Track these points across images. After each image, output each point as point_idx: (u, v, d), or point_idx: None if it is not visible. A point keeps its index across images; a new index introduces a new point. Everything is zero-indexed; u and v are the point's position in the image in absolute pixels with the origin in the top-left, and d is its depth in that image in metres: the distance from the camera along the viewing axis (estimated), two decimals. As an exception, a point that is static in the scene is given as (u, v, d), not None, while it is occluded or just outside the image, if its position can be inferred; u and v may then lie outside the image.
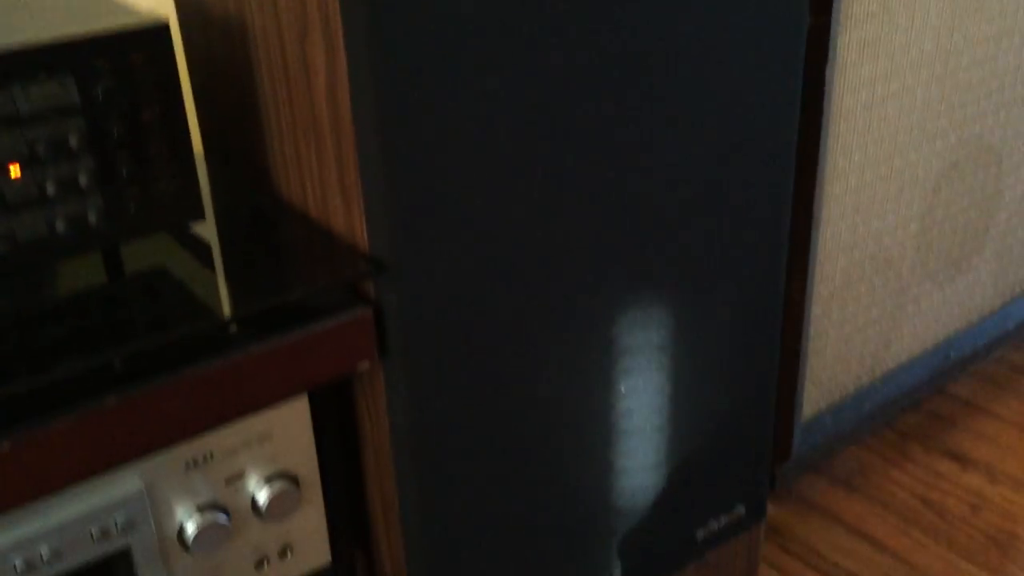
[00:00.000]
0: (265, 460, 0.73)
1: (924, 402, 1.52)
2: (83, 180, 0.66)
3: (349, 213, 0.71)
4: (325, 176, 0.73)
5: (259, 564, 0.76)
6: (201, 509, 0.71)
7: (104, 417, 0.61)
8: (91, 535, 0.65)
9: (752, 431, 1.02)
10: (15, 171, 0.63)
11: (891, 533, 1.27)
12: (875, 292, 1.31)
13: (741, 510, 1.04)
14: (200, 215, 0.72)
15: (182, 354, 0.65)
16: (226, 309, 0.69)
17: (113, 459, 0.63)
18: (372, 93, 0.64)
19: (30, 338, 0.66)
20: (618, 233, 0.81)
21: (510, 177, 0.72)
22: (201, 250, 0.76)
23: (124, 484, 0.66)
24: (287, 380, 0.69)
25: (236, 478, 0.72)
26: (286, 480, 0.74)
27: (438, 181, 0.69)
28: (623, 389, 0.87)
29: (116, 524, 0.67)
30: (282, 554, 0.77)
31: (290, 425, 0.74)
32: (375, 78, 0.64)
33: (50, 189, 0.65)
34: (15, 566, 0.63)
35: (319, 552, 0.80)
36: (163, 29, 0.67)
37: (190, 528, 0.70)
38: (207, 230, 0.78)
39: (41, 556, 0.64)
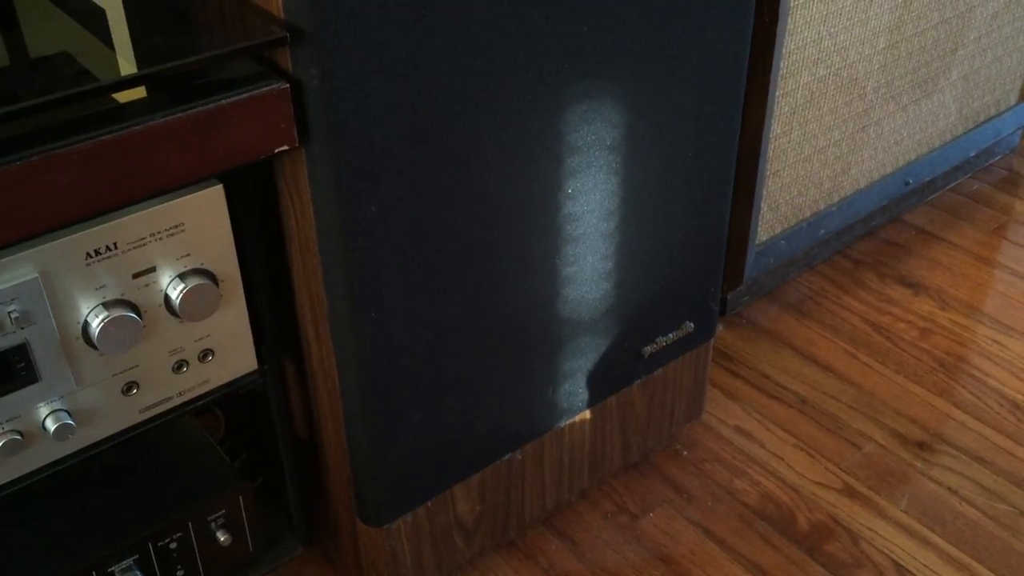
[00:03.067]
0: (178, 254, 0.67)
1: (879, 229, 1.49)
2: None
3: (261, -27, 0.63)
4: (233, -70, 0.64)
5: (177, 367, 0.71)
6: (107, 305, 0.65)
7: (-20, 189, 0.54)
8: (-20, 326, 0.60)
9: (705, 246, 0.97)
10: None
11: (840, 357, 1.26)
12: (837, 112, 1.25)
13: (690, 327, 1.01)
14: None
15: (74, 125, 0.57)
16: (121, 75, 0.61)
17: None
18: None
19: None
20: (570, 15, 0.73)
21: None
22: (97, 19, 0.67)
23: (17, 272, 0.60)
24: (194, 161, 0.62)
25: (145, 272, 0.66)
26: (202, 276, 0.68)
27: (362, -67, 0.60)
28: (570, 190, 0.82)
29: (10, 316, 0.60)
30: (203, 357, 0.72)
31: (204, 216, 0.67)
32: None
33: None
34: None
35: (243, 357, 0.75)
36: None
37: (95, 324, 0.64)
38: (102, -4, 0.69)
39: (-77, 347, 0.58)
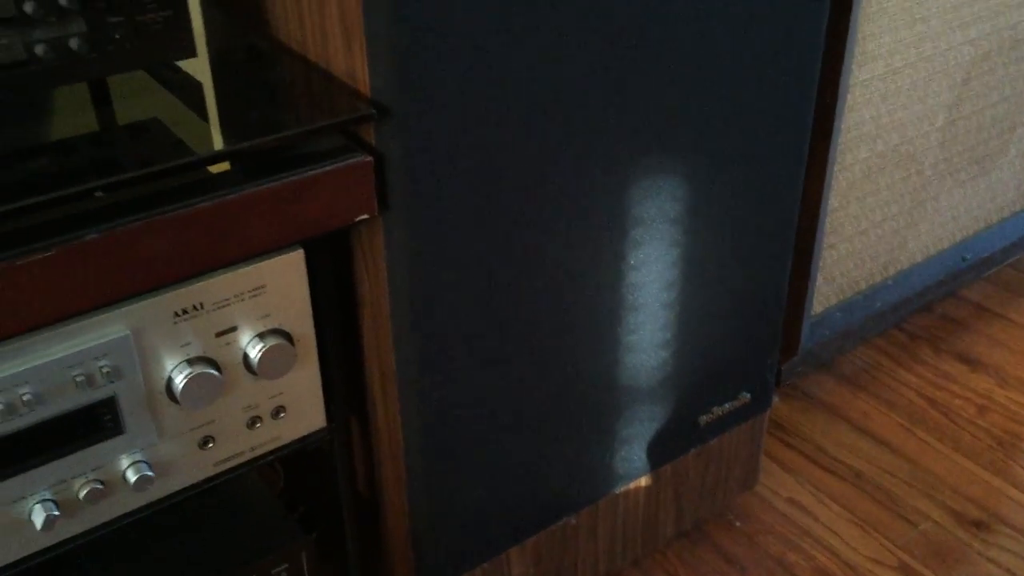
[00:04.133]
0: (258, 315, 0.70)
1: (936, 304, 1.49)
2: (64, 1, 0.61)
3: (350, 54, 0.67)
4: (326, 13, 0.67)
5: (252, 423, 0.73)
6: (191, 362, 0.68)
7: (86, 252, 0.57)
8: (74, 380, 0.63)
9: (763, 317, 0.98)
10: (-11, -15, 0.58)
11: (896, 432, 1.25)
12: (895, 187, 1.26)
13: (747, 397, 1.02)
14: (191, 52, 0.67)
15: (171, 194, 0.61)
16: (216, 148, 0.65)
17: (96, 298, 0.59)
18: (378, -89, 0.59)
19: (9, 171, 0.62)
20: (638, 96, 0.76)
21: (525, 19, 0.67)
22: (192, 91, 0.71)
23: (109, 329, 0.63)
24: (280, 228, 0.65)
25: (228, 332, 0.69)
26: (280, 336, 0.71)
27: (447, 21, 0.64)
28: (633, 261, 0.84)
29: (101, 370, 0.63)
30: (275, 414, 0.74)
31: (284, 280, 0.70)
32: None
33: (28, 8, 0.60)
34: (-6, 406, 0.60)
35: (313, 414, 0.77)
36: None
37: (179, 380, 0.67)
38: (198, 69, 0.73)
39: (22, 398, 0.61)
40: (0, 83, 0.60)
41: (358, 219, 0.68)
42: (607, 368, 0.87)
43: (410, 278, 0.72)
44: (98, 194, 0.57)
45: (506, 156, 0.71)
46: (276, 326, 0.71)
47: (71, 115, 0.70)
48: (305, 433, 0.77)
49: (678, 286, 0.89)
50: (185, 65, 0.73)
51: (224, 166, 0.65)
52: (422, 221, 0.70)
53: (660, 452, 0.97)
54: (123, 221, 0.58)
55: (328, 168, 0.65)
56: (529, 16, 0.67)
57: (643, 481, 0.97)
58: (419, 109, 0.66)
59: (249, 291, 0.69)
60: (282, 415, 0.75)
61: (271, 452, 0.76)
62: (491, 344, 0.78)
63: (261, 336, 0.71)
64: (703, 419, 0.99)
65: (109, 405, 0.65)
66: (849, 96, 1.12)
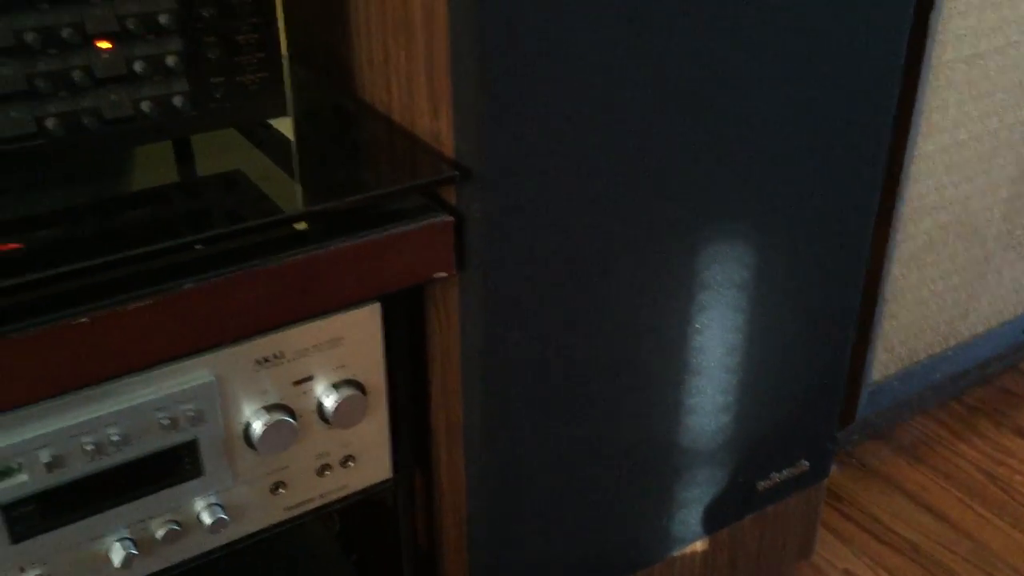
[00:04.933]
0: (334, 365, 0.72)
1: (996, 377, 1.47)
2: (171, 62, 0.64)
3: (436, 117, 0.69)
4: (413, 77, 0.70)
5: (321, 471, 0.75)
6: (269, 409, 0.70)
7: (181, 301, 0.60)
8: (160, 423, 0.65)
9: (824, 385, 0.98)
10: (105, 45, 0.62)
11: (954, 505, 1.23)
12: (957, 258, 1.26)
13: (805, 465, 1.02)
14: (283, 111, 0.70)
15: (258, 248, 0.64)
16: (304, 205, 0.68)
17: (187, 345, 0.62)
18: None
19: (110, 220, 0.65)
20: (711, 164, 0.78)
21: (605, 93, 0.70)
22: (278, 146, 0.74)
23: (195, 375, 0.66)
24: (362, 283, 0.67)
25: (304, 381, 0.71)
26: (353, 387, 0.73)
27: (532, 89, 0.66)
28: (698, 324, 0.85)
29: (185, 415, 0.66)
30: (344, 463, 0.76)
31: (361, 332, 0.72)
32: (477, -30, 0.61)
33: (138, 67, 0.63)
34: (84, 446, 0.62)
35: (380, 465, 0.79)
36: (260, -91, 0.64)
37: (257, 426, 0.69)
38: (286, 127, 0.76)
39: (110, 439, 0.63)
40: (107, 137, 0.64)
41: (435, 276, 0.70)
42: (668, 430, 0.88)
43: (482, 335, 0.73)
44: (198, 247, 0.59)
45: (580, 219, 0.73)
46: (350, 376, 0.73)
47: (162, 166, 0.73)
48: (371, 483, 0.79)
49: (741, 351, 0.89)
50: (272, 120, 0.77)
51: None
52: (497, 280, 0.72)
53: (717, 516, 0.97)
54: (218, 272, 0.60)
55: (411, 227, 0.67)
56: (606, 88, 0.69)
57: (699, 545, 0.97)
58: (500, 173, 0.68)
59: (327, 342, 0.71)
60: (351, 464, 0.77)
61: (338, 500, 0.77)
62: (557, 403, 0.79)
63: (336, 386, 0.72)
64: (761, 485, 0.98)
65: (190, 448, 0.67)
66: (914, 167, 1.13)
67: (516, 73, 0.65)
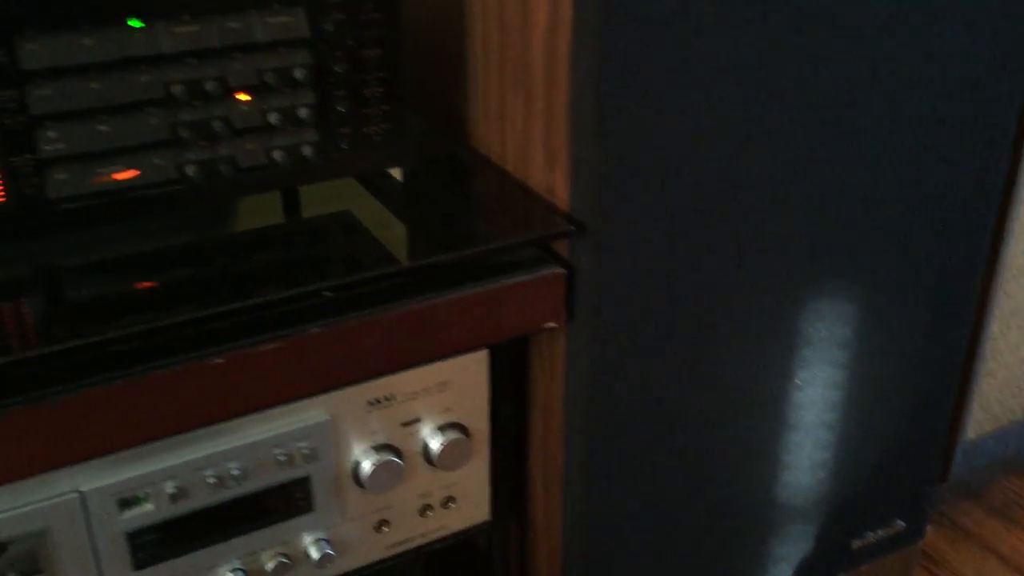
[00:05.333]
0: (440, 408, 0.74)
1: (1096, 440, 1.43)
2: (303, 113, 0.67)
3: (551, 170, 0.71)
4: (529, 131, 0.72)
5: (423, 510, 0.77)
6: (377, 448, 0.72)
7: (307, 345, 0.62)
8: (276, 459, 0.67)
9: (922, 444, 0.97)
10: (244, 97, 0.65)
11: (1051, 572, 1.20)
12: (1058, 316, 1.23)
13: (900, 525, 1.00)
14: (409, 160, 0.73)
15: (377, 294, 0.66)
16: (423, 254, 0.70)
17: (309, 387, 0.64)
18: (596, 47, 0.63)
19: (238, 261, 0.68)
20: (818, 223, 0.78)
21: (719, 152, 0.70)
22: (395, 194, 0.77)
23: (312, 414, 0.68)
24: (475, 331, 0.69)
25: (412, 423, 0.73)
26: (458, 431, 0.74)
27: (648, 147, 0.68)
28: (799, 380, 0.84)
29: (300, 452, 0.68)
30: (445, 504, 0.77)
31: (468, 377, 0.74)
32: (601, 30, 0.63)
33: (272, 119, 0.66)
34: (207, 479, 0.65)
35: (479, 507, 0.80)
36: (393, -30, 0.67)
37: (366, 465, 0.71)
38: (400, 173, 0.79)
39: (231, 473, 0.65)
40: (241, 183, 0.67)
41: (545, 326, 0.71)
42: (764, 484, 0.87)
43: (587, 383, 0.74)
44: (326, 294, 0.62)
45: (687, 273, 0.74)
46: (455, 420, 0.75)
47: (278, 208, 0.76)
48: (470, 524, 0.80)
49: (840, 407, 0.89)
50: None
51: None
52: (604, 330, 0.73)
53: (810, 574, 0.96)
54: (342, 318, 0.63)
55: (525, 279, 0.69)
56: (720, 147, 0.70)
57: (789, 601, 0.96)
58: (613, 227, 0.69)
59: (435, 386, 0.73)
60: (451, 505, 0.78)
61: (438, 540, 0.78)
62: (656, 452, 0.79)
63: (441, 429, 0.74)
64: (855, 544, 0.97)
65: (303, 484, 0.69)
66: (1016, 225, 1.11)
67: (634, 130, 0.67)
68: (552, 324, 0.71)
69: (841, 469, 0.92)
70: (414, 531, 0.77)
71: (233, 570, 0.69)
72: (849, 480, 0.93)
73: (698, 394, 0.79)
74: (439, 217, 0.75)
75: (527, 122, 0.72)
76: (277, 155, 0.67)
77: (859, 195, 0.79)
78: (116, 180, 0.63)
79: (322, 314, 0.63)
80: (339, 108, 0.68)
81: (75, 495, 0.61)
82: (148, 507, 0.64)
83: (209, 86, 0.63)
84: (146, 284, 0.65)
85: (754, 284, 0.78)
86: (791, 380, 0.84)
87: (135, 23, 0.60)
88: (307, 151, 0.68)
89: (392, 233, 0.74)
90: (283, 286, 0.64)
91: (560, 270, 0.70)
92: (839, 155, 0.76)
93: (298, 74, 0.66)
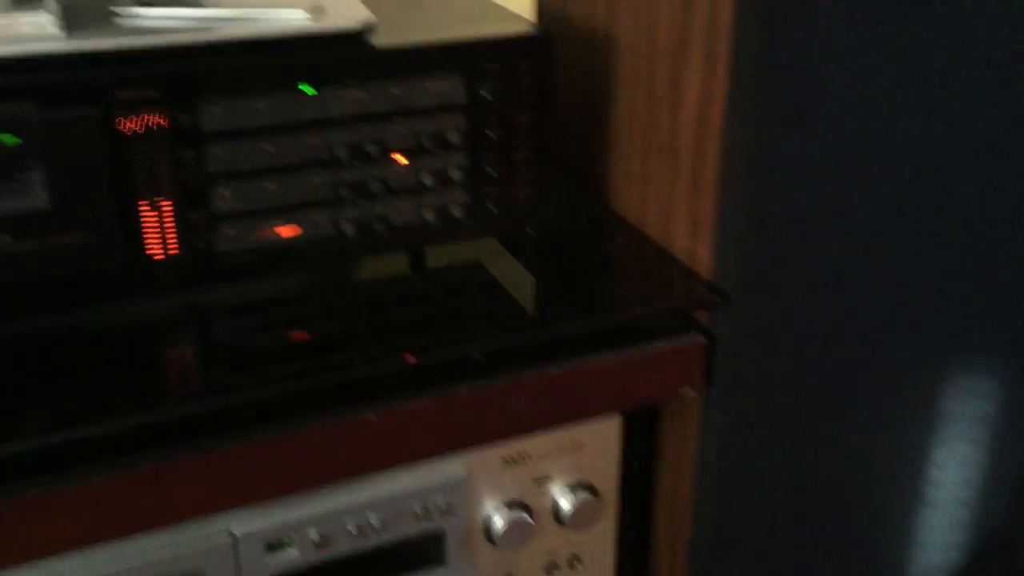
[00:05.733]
0: (572, 468, 0.74)
1: None
2: (455, 175, 0.69)
3: (695, 237, 0.71)
4: (673, 196, 0.73)
5: (549, 569, 0.77)
6: (509, 505, 0.72)
7: (453, 404, 0.63)
8: (414, 512, 0.68)
9: (1061, 527, 0.93)
10: (401, 159, 0.67)
11: None
12: None
13: (1034, 610, 0.96)
14: (550, 224, 0.74)
15: (519, 356, 0.66)
16: (563, 317, 0.70)
17: (451, 444, 0.65)
18: (751, 123, 0.64)
19: (379, 315, 0.69)
20: (959, 297, 0.76)
21: (863, 228, 0.70)
22: (533, 252, 0.78)
23: (450, 470, 0.69)
24: (614, 396, 0.69)
25: (543, 481, 0.73)
26: (588, 491, 0.75)
27: (796, 221, 0.67)
28: (935, 457, 0.82)
29: (437, 506, 0.69)
30: (571, 563, 0.78)
31: (600, 439, 0.74)
32: (758, 107, 0.63)
33: (426, 180, 0.68)
34: (348, 528, 0.66)
35: (604, 569, 0.80)
36: (548, 39, 0.69)
37: (498, 522, 0.72)
38: (541, 235, 0.80)
39: (371, 523, 0.67)
40: (392, 240, 0.69)
41: (683, 394, 0.71)
42: (895, 562, 0.85)
43: (720, 452, 0.74)
44: (478, 358, 0.63)
45: (828, 346, 0.73)
46: (586, 481, 0.75)
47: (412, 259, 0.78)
48: (594, 585, 0.80)
49: (975, 486, 0.86)
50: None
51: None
52: (741, 399, 0.72)
53: (936, 656, 0.92)
54: (489, 379, 0.64)
55: (664, 346, 0.69)
56: (868, 224, 0.70)
57: None
58: (757, 297, 0.69)
59: (569, 446, 0.73)
60: (577, 565, 0.78)
61: (562, 599, 0.79)
62: (788, 524, 0.78)
63: (572, 488, 0.74)
64: (986, 628, 0.93)
65: (437, 538, 0.70)
66: None
67: (782, 204, 0.67)
68: (690, 392, 0.71)
69: (974, 551, 0.89)
70: (539, 588, 0.78)
71: (366, 618, 0.71)
72: (982, 561, 0.90)
73: (832, 467, 0.78)
74: (577, 277, 0.76)
75: (671, 188, 0.73)
76: (428, 214, 0.69)
77: (1006, 268, 0.77)
78: (279, 235, 0.66)
79: (468, 373, 0.64)
80: (489, 170, 0.70)
81: (228, 538, 0.63)
82: (293, 552, 0.66)
83: (370, 148, 0.66)
84: (298, 335, 0.68)
85: (895, 357, 0.76)
86: (928, 456, 0.82)
87: (307, 89, 0.63)
88: (456, 211, 0.70)
89: (528, 291, 0.75)
90: (429, 341, 0.65)
91: (701, 339, 0.70)
92: (987, 228, 0.74)
93: (453, 138, 0.68)
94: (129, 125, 0.59)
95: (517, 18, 0.74)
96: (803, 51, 0.63)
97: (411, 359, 0.62)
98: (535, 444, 0.72)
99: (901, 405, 0.78)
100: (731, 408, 0.72)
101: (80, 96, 0.57)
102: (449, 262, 0.77)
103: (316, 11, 0.65)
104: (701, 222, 0.70)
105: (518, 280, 0.76)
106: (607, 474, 0.76)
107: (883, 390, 0.77)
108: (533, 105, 0.69)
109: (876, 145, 0.68)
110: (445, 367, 0.64)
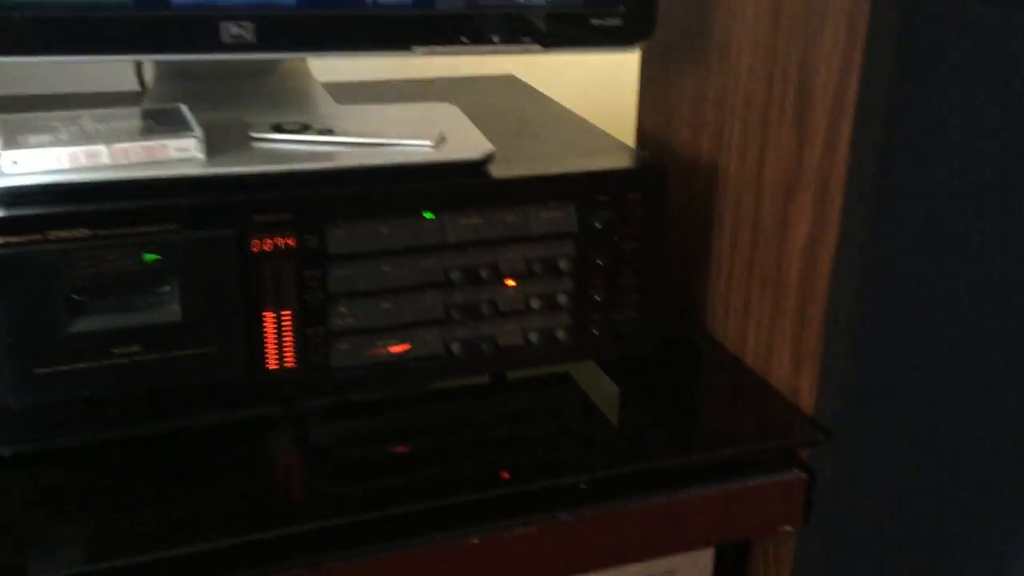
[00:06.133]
0: (662, 597, 0.73)
1: None
2: (561, 300, 0.70)
3: (797, 373, 0.71)
4: (777, 330, 0.73)
5: None
6: (600, 631, 0.72)
7: (556, 530, 0.63)
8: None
9: None
10: (511, 283, 0.69)
11: None
12: None
13: None
14: (649, 350, 0.74)
15: (623, 485, 0.66)
16: (665, 447, 0.70)
17: (551, 569, 0.65)
18: (862, 266, 0.64)
19: (480, 438, 0.70)
20: (1067, 439, 0.75)
21: (976, 370, 0.69)
22: (634, 377, 0.78)
23: (544, 593, 0.69)
24: (710, 529, 0.69)
25: (633, 609, 0.73)
26: (678, 623, 0.74)
27: (903, 363, 0.67)
28: (1039, 607, 0.79)
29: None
30: None
31: (692, 568, 0.73)
32: (869, 251, 0.64)
33: (533, 303, 0.70)
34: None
35: None
36: (660, 172, 0.71)
37: (590, 647, 0.71)
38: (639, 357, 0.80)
39: (462, 645, 0.67)
40: (496, 361, 0.70)
41: (781, 530, 0.70)
42: None
43: (815, 590, 0.72)
44: (582, 486, 0.64)
45: (928, 486, 0.72)
46: (676, 610, 0.74)
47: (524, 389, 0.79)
48: None
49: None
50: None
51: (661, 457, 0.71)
52: (838, 537, 0.71)
53: None
54: (591, 508, 0.64)
55: (765, 481, 0.69)
56: (966, 362, 0.69)
57: None
58: (860, 435, 0.68)
59: (661, 574, 0.73)
60: None
61: None
62: (881, 670, 0.76)
63: (662, 617, 0.74)
64: None
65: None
66: None
67: (891, 346, 0.67)
68: (788, 528, 0.70)
69: None
70: None
71: None
72: None
73: (930, 611, 0.76)
74: (675, 404, 0.76)
75: (774, 322, 0.73)
76: (533, 336, 0.71)
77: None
78: (390, 353, 0.67)
79: (569, 499, 0.64)
80: (594, 296, 0.71)
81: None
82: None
83: (483, 272, 0.67)
84: (397, 449, 0.68)
85: (994, 496, 0.75)
86: (1029, 604, 0.79)
87: (428, 215, 0.65)
88: (560, 334, 0.71)
89: (625, 414, 0.76)
90: (530, 464, 0.66)
91: (802, 475, 0.69)
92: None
93: (562, 264, 0.69)
94: (261, 245, 0.61)
95: (625, 148, 0.76)
96: (918, 194, 0.64)
97: (514, 486, 0.62)
98: (628, 571, 0.71)
99: (1003, 541, 0.76)
100: (828, 544, 0.71)
101: (219, 218, 0.60)
102: (540, 375, 0.78)
103: (439, 140, 0.67)
104: (805, 358, 0.70)
105: (613, 401, 0.76)
106: (697, 605, 0.75)
107: (983, 530, 0.75)
108: (641, 234, 0.71)
109: (985, 292, 0.68)
110: (547, 492, 0.64)
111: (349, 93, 0.81)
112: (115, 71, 0.94)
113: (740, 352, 0.78)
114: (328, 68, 0.83)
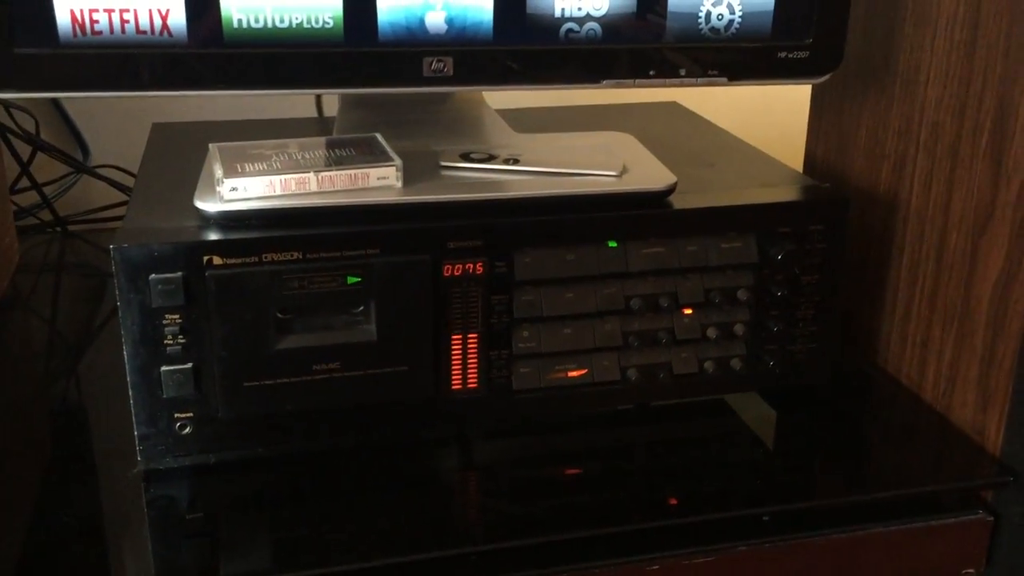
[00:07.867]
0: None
1: None
2: (738, 330, 0.70)
3: (983, 412, 0.69)
4: (960, 367, 0.71)
5: None
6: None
7: (733, 561, 0.63)
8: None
9: None
10: (688, 312, 0.69)
11: None
12: None
13: None
14: (826, 381, 0.74)
15: (802, 518, 0.66)
16: (842, 482, 0.70)
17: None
18: (1062, 304, 0.62)
19: (654, 465, 0.71)
20: None
21: None
22: (806, 409, 0.77)
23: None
24: (892, 567, 0.67)
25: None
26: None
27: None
28: None
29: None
30: None
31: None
32: (1070, 290, 0.62)
33: (711, 332, 0.70)
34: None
35: None
36: (843, 204, 0.70)
37: None
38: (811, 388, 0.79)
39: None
40: (670, 388, 0.71)
41: (963, 572, 0.69)
42: None
43: (996, 638, 0.70)
44: (765, 518, 0.63)
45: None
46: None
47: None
48: None
49: None
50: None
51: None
52: (1023, 584, 0.69)
53: None
54: (769, 541, 0.64)
55: (950, 521, 0.67)
56: None
57: None
58: (1051, 481, 0.66)
59: (833, 610, 0.72)
60: None
61: None
62: None
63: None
64: None
65: None
66: None
67: (1088, 387, 0.64)
68: (970, 571, 0.68)
69: None
70: None
71: None
72: None
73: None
74: (853, 437, 0.74)
75: (956, 358, 0.71)
76: (708, 365, 0.71)
77: None
78: (569, 377, 0.69)
79: (747, 531, 0.64)
80: (771, 326, 0.71)
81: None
82: None
83: (662, 300, 0.68)
84: (566, 472, 0.69)
85: None
86: None
87: (612, 244, 0.66)
88: (735, 364, 0.71)
89: (796, 445, 0.75)
90: (707, 493, 0.66)
91: (988, 517, 0.67)
92: None
93: (740, 294, 0.70)
94: (452, 270, 0.64)
95: (802, 178, 0.76)
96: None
97: (698, 514, 0.63)
98: (798, 605, 0.71)
99: None
100: (1013, 591, 0.69)
101: (416, 243, 0.63)
102: (699, 403, 0.77)
103: (623, 170, 0.69)
104: (993, 399, 0.68)
105: (784, 432, 0.76)
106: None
107: None
108: (821, 266, 0.70)
109: None
110: (726, 523, 0.64)
111: (521, 120, 0.83)
112: (292, 98, 0.99)
113: (916, 387, 0.76)
114: (495, 94, 0.84)
